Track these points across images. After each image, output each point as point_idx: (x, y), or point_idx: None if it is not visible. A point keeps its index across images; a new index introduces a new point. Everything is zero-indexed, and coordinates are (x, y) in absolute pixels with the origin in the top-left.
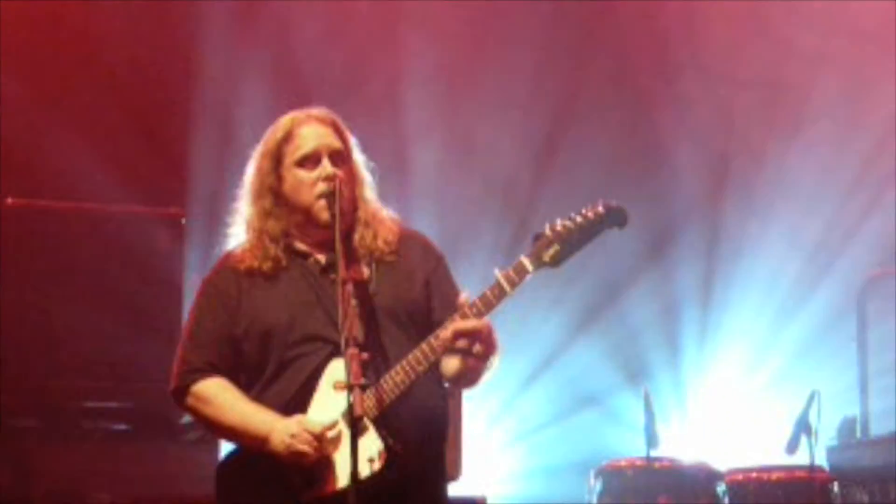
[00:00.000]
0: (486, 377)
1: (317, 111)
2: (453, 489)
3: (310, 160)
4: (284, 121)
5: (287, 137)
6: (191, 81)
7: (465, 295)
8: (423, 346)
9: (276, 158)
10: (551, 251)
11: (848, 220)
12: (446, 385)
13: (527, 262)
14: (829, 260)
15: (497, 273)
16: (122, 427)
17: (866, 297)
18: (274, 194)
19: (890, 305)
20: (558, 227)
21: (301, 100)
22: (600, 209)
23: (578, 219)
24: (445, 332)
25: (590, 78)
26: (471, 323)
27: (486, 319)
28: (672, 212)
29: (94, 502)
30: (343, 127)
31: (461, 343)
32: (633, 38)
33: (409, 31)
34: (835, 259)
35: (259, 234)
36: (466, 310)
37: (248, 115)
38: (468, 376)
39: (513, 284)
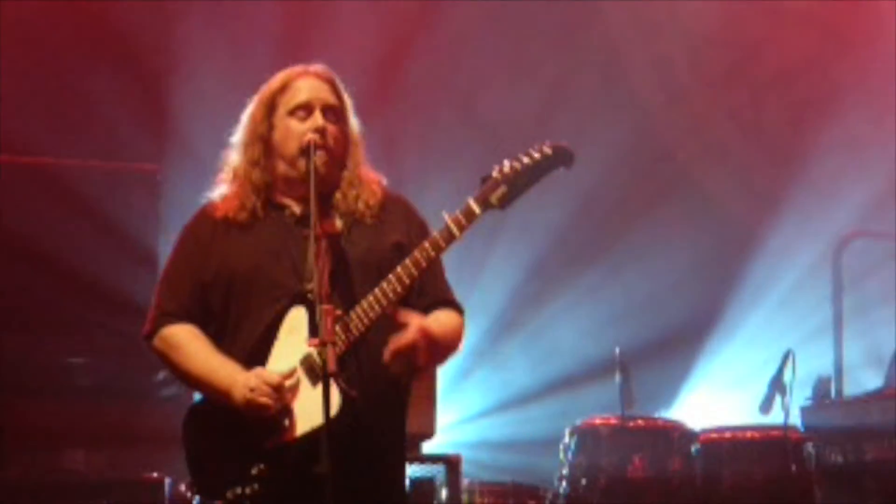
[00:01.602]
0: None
1: (316, 67)
2: (428, 447)
3: (302, 110)
4: (283, 73)
5: (283, 88)
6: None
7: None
8: (377, 290)
9: (269, 107)
10: (499, 193)
11: (823, 179)
12: None
13: (474, 204)
14: (805, 219)
15: (446, 216)
16: (96, 384)
17: (841, 256)
18: (264, 143)
19: (865, 265)
20: (506, 169)
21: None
22: (547, 149)
23: (525, 159)
24: (389, 349)
25: (567, 42)
26: (404, 340)
27: (420, 329)
28: (647, 171)
29: (68, 459)
30: (341, 86)
31: (402, 359)
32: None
33: None
34: (810, 218)
35: (243, 183)
36: (417, 254)
37: (227, 72)
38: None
39: (461, 228)
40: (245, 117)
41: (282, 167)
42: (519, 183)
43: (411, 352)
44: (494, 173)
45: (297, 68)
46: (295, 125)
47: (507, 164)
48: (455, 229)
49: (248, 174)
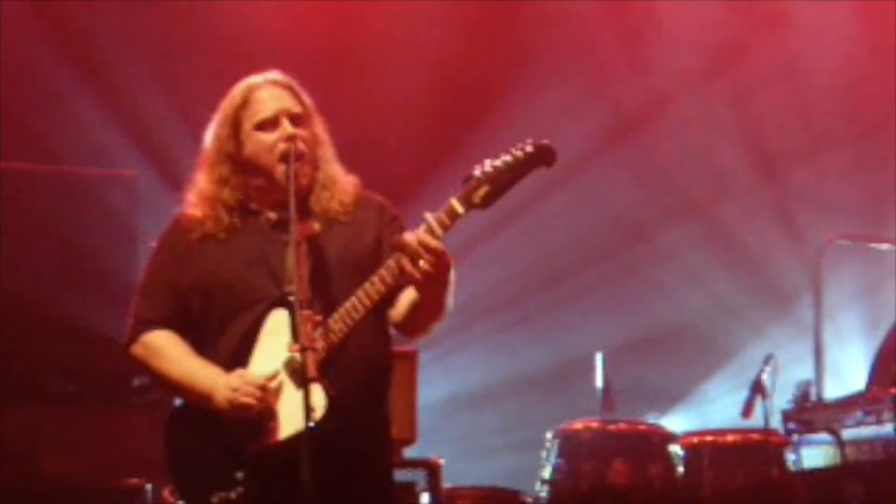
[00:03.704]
0: (438, 322)
1: (273, 75)
2: (408, 451)
3: (269, 124)
4: (241, 87)
5: (244, 103)
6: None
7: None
8: (360, 292)
9: (234, 125)
10: (481, 192)
11: (804, 184)
12: (395, 331)
13: (457, 204)
14: (786, 224)
15: (427, 216)
16: (76, 389)
17: (822, 261)
18: (232, 161)
19: (845, 270)
20: (487, 168)
21: (252, 67)
22: (529, 148)
23: (507, 158)
24: (405, 239)
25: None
26: (435, 242)
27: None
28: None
29: (48, 465)
30: (300, 90)
31: (415, 259)
32: None
33: None
34: (791, 223)
35: (213, 203)
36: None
37: (204, 75)
38: (421, 309)
39: (444, 227)
40: (209, 136)
41: (258, 180)
42: (501, 181)
43: (431, 253)
44: (476, 172)
45: (255, 79)
46: (265, 138)
47: (487, 163)
48: (438, 229)
49: (217, 194)
